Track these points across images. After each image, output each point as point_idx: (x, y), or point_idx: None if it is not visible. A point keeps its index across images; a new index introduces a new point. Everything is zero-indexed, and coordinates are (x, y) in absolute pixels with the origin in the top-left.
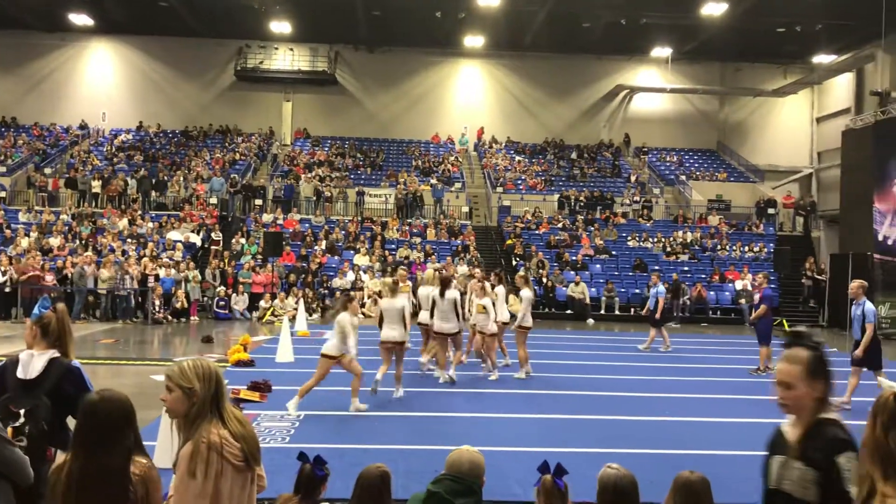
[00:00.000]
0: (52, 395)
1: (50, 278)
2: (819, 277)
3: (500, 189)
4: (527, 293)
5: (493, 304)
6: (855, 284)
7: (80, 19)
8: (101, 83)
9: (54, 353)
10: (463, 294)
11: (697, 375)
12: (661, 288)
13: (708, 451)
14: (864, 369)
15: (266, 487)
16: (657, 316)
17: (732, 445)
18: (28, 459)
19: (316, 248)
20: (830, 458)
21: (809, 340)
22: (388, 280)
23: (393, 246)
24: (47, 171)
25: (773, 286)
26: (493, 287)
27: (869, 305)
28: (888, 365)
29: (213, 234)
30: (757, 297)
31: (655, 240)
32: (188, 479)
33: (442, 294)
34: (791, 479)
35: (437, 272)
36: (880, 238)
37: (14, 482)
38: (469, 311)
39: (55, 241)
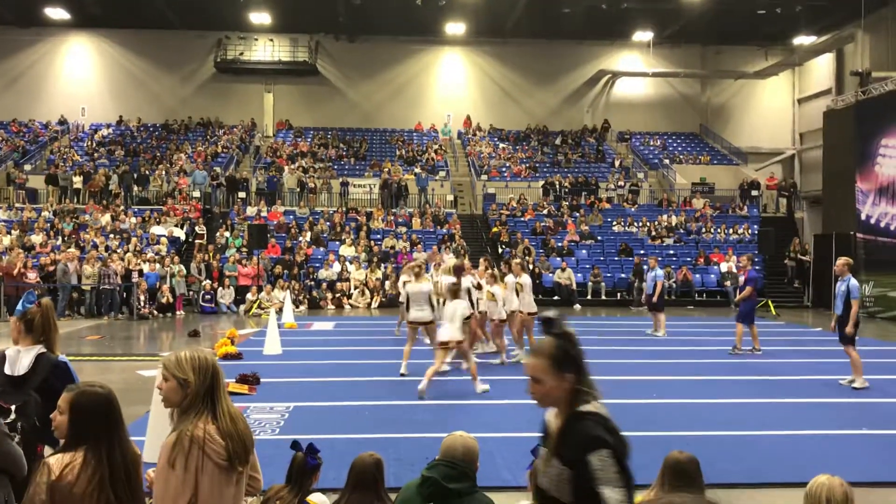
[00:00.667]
0: (40, 391)
1: (32, 276)
2: (803, 258)
3: (484, 177)
4: (527, 279)
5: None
6: (841, 262)
7: (56, 13)
8: (79, 78)
9: (41, 349)
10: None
11: (685, 358)
12: (660, 272)
13: (696, 432)
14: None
15: (261, 489)
16: (654, 299)
17: (720, 426)
18: (23, 454)
19: (301, 239)
20: (582, 457)
21: (556, 329)
22: (415, 266)
23: (378, 236)
24: (27, 167)
25: (757, 268)
26: (503, 276)
27: (853, 282)
28: (873, 343)
29: (197, 228)
30: (742, 278)
31: (640, 224)
32: (168, 469)
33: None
34: (549, 476)
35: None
36: (863, 217)
37: (11, 475)
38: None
39: (37, 239)
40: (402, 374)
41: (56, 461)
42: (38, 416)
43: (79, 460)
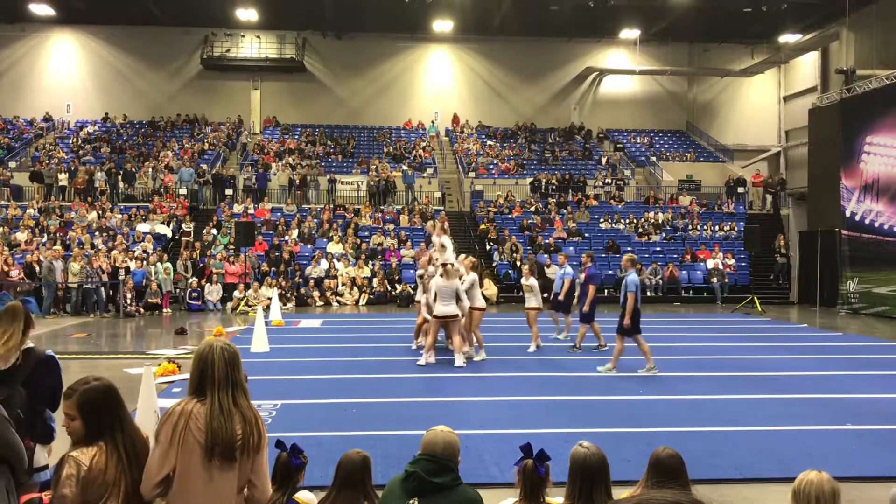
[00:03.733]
0: (26, 385)
1: (15, 273)
2: (782, 255)
3: (472, 174)
4: (473, 277)
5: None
6: (625, 258)
7: (40, 9)
8: (64, 74)
9: (29, 344)
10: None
11: (670, 354)
12: (569, 269)
13: (682, 428)
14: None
15: (264, 499)
16: (560, 298)
17: (706, 422)
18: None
19: (287, 237)
20: None
21: None
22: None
23: (366, 233)
24: (12, 164)
25: (743, 264)
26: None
27: (632, 277)
28: (857, 339)
29: (184, 226)
30: (582, 276)
31: (627, 221)
32: (154, 444)
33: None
34: None
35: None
36: (848, 214)
37: (11, 466)
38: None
39: (22, 236)
40: (421, 365)
41: (82, 455)
42: (23, 410)
43: (102, 451)
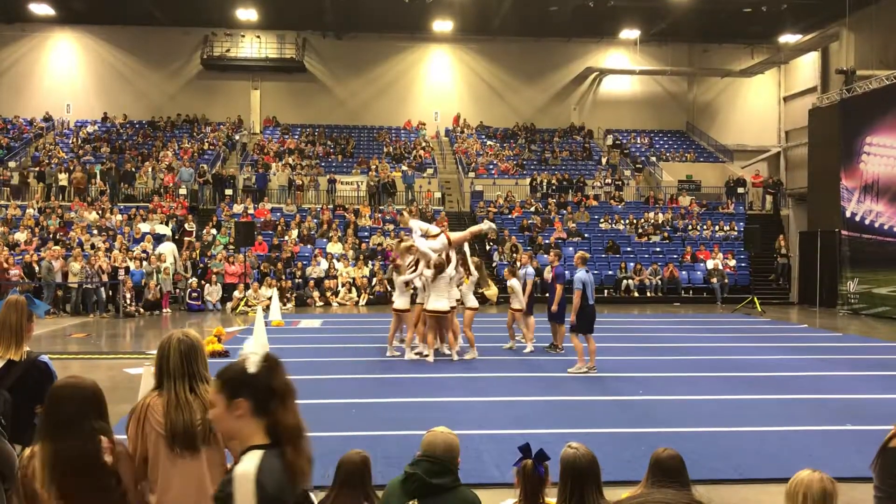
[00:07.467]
0: (16, 389)
1: (15, 272)
2: (782, 256)
3: (472, 174)
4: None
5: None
6: (577, 256)
7: (40, 9)
8: (64, 74)
9: (25, 347)
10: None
11: (670, 354)
12: (531, 269)
13: (682, 429)
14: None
15: None
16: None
17: (706, 422)
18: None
19: (286, 237)
20: None
21: None
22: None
23: (366, 233)
24: (11, 164)
25: (743, 264)
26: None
27: (578, 274)
28: (858, 339)
29: (186, 225)
30: (549, 276)
31: (627, 221)
32: (127, 439)
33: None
34: None
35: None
36: (848, 215)
37: (2, 475)
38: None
39: (22, 236)
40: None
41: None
42: (6, 414)
43: (38, 452)
